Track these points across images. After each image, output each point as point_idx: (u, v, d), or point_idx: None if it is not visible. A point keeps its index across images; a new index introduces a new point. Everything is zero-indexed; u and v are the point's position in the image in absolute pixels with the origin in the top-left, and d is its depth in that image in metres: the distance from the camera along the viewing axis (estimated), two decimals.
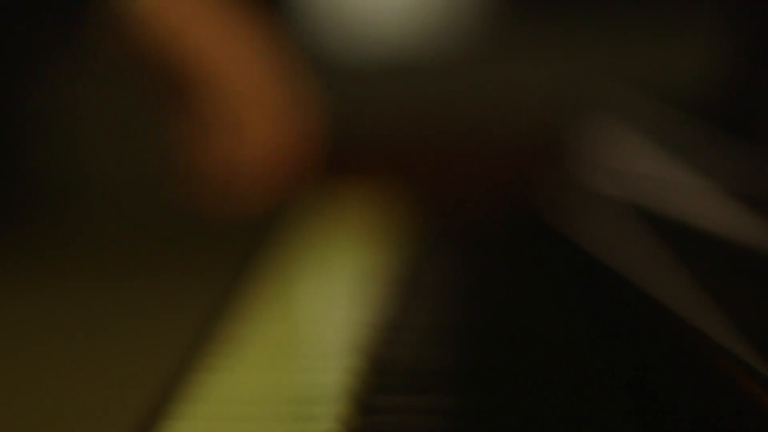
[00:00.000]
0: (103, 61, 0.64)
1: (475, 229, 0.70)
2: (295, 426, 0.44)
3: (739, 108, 0.74)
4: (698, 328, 0.45)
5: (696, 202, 0.59)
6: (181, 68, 0.60)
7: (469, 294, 0.65)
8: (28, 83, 2.22)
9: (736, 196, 0.56)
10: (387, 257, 0.69)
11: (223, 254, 0.64)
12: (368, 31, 3.45)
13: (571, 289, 0.66)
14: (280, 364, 0.53)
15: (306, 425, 0.44)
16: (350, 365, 0.51)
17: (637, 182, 0.71)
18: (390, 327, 0.58)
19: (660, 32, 3.23)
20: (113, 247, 2.77)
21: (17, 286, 2.43)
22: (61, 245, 2.73)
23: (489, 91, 3.09)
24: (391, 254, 0.70)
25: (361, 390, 0.47)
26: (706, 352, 0.43)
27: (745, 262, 0.49)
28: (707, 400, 0.42)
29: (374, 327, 0.58)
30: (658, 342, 0.50)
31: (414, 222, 0.81)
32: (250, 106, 0.62)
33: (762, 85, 0.73)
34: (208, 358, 0.53)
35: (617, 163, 0.76)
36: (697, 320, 0.46)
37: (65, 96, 2.55)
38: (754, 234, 0.50)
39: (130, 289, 2.68)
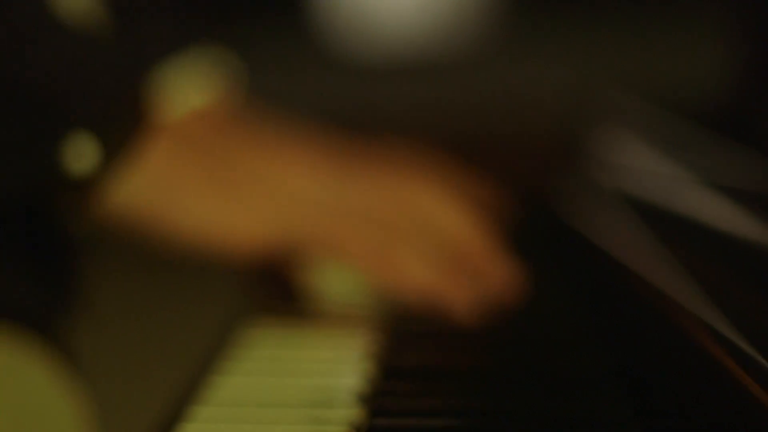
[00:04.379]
0: None
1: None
2: (308, 428, 0.45)
3: (747, 114, 0.75)
4: (695, 316, 0.45)
5: (696, 199, 0.59)
6: None
7: None
8: None
9: (737, 195, 0.56)
10: None
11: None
12: (383, 30, 3.46)
13: (576, 276, 0.67)
14: (293, 367, 0.53)
15: (319, 428, 0.45)
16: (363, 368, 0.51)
17: (641, 180, 0.71)
18: None
19: (672, 35, 3.23)
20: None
21: None
22: None
23: (500, 92, 3.09)
24: None
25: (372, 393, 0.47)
26: (701, 340, 0.44)
27: (743, 258, 0.49)
28: (701, 385, 0.43)
29: None
30: (658, 329, 0.51)
31: None
32: None
33: None
34: (221, 360, 0.53)
35: (625, 162, 0.76)
36: (695, 310, 0.46)
37: None
38: (750, 230, 0.51)
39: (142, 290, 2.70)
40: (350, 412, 0.46)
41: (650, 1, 3.31)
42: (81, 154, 0.51)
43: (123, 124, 0.53)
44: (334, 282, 0.65)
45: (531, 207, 0.84)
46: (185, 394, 0.49)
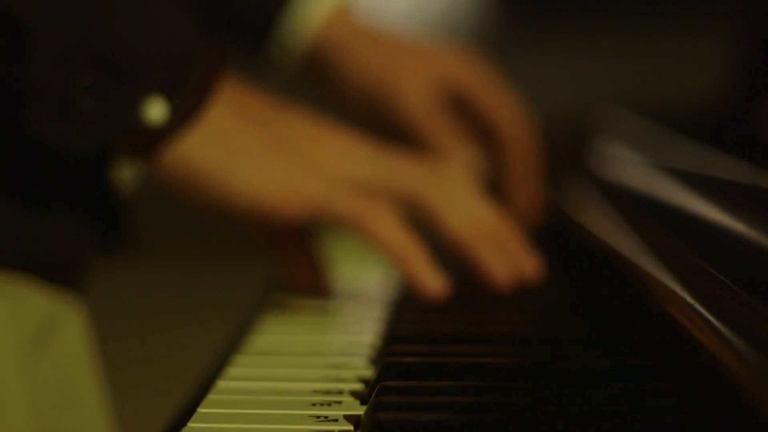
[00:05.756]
0: None
1: None
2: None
3: (746, 117, 0.75)
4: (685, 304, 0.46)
5: (685, 194, 0.60)
6: None
7: None
8: None
9: (728, 192, 0.57)
10: None
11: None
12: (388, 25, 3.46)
13: (573, 265, 0.69)
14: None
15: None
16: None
17: (636, 172, 0.72)
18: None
19: (672, 39, 3.22)
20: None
21: None
22: None
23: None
24: None
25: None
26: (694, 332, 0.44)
27: (734, 252, 0.50)
28: (697, 380, 0.43)
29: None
30: (652, 320, 0.52)
31: None
32: None
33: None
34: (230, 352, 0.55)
35: (619, 154, 0.77)
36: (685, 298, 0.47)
37: None
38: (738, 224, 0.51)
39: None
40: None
41: (650, 5, 3.30)
42: (154, 111, 0.57)
43: (192, 87, 0.58)
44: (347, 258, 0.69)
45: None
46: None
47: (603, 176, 0.78)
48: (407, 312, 0.61)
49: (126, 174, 0.63)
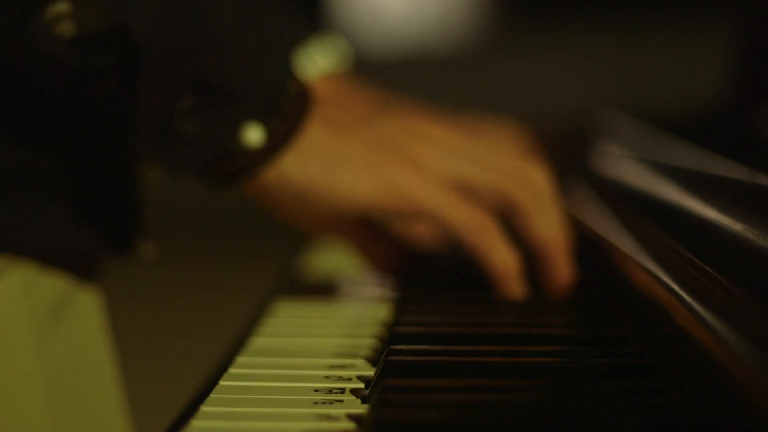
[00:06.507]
0: None
1: None
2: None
3: (743, 118, 0.76)
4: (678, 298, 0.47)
5: (679, 191, 0.61)
6: None
7: None
8: None
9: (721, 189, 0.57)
10: None
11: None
12: (390, 26, 3.46)
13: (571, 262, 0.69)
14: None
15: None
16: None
17: (633, 173, 0.72)
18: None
19: (670, 40, 3.22)
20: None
21: None
22: None
23: (502, 88, 3.10)
24: None
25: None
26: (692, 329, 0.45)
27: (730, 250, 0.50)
28: (695, 378, 0.44)
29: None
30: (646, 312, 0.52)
31: None
32: None
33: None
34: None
35: (617, 155, 0.77)
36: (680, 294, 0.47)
37: None
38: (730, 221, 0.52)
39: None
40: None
41: (649, 6, 3.31)
42: (251, 134, 0.59)
43: (286, 112, 0.60)
44: None
45: None
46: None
47: (601, 176, 0.79)
48: (408, 311, 0.62)
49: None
